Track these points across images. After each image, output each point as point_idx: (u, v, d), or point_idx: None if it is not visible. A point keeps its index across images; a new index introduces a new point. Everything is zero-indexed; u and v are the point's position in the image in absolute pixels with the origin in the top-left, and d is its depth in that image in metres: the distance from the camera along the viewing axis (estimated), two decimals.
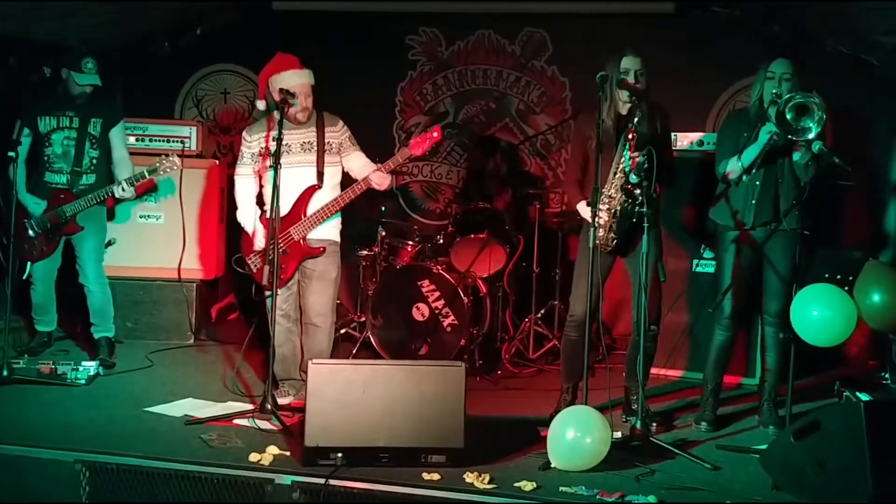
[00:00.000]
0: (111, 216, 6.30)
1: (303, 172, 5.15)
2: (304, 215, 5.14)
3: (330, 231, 5.25)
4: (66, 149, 5.72)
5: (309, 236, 5.17)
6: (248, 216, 5.30)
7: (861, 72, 6.61)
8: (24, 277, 5.76)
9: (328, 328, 5.28)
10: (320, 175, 5.16)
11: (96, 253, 5.90)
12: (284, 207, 5.11)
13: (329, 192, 5.20)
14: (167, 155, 5.66)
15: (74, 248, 5.84)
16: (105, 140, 5.81)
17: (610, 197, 4.69)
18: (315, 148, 5.18)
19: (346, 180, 5.31)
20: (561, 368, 5.17)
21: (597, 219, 4.64)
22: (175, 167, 5.67)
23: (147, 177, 5.66)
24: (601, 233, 4.70)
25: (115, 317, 6.04)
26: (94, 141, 5.76)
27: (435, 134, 5.12)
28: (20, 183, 5.60)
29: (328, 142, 5.21)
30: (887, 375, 5.74)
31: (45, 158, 5.71)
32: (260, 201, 5.32)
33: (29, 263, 5.72)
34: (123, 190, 5.65)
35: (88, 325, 6.00)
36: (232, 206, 6.98)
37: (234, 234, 7.08)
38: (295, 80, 5.10)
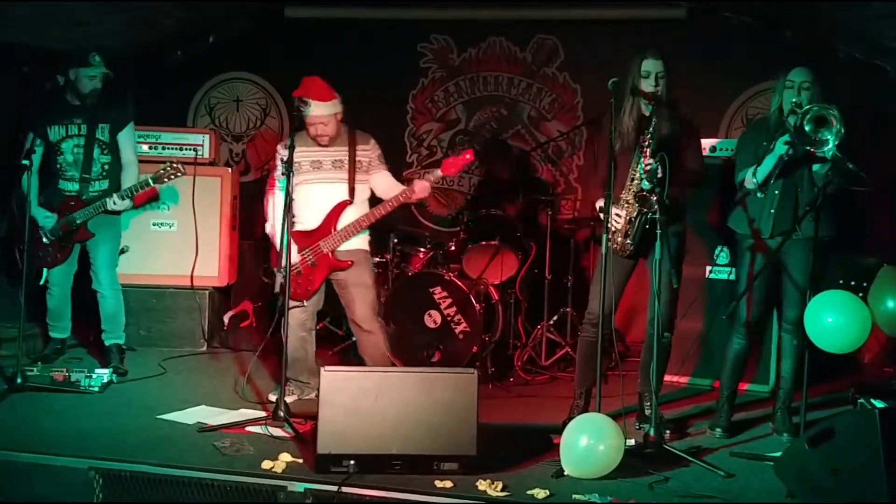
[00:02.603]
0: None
1: (334, 188, 5.25)
2: (335, 230, 5.22)
3: (359, 241, 5.34)
4: (76, 156, 5.74)
5: (338, 249, 5.24)
6: (278, 230, 5.28)
7: (874, 77, 6.59)
8: (42, 283, 5.78)
9: (380, 331, 5.38)
10: (352, 191, 5.25)
11: (110, 259, 5.92)
12: (315, 221, 5.23)
13: (359, 207, 5.30)
14: (171, 163, 5.69)
15: (89, 254, 5.87)
16: (115, 144, 5.83)
17: (627, 202, 4.69)
18: (346, 165, 5.26)
19: (373, 198, 5.41)
20: (576, 372, 5.15)
21: (612, 223, 4.65)
22: (179, 173, 5.68)
23: (151, 184, 5.69)
24: (619, 238, 4.69)
25: (127, 324, 6.05)
26: (104, 146, 5.79)
27: (468, 156, 5.22)
28: (33, 194, 5.62)
29: (359, 160, 5.30)
30: None
31: (58, 167, 5.74)
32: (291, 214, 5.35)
33: (45, 270, 5.75)
34: (115, 203, 5.67)
35: (100, 332, 6.02)
36: (245, 214, 7.06)
37: (248, 242, 7.14)
38: (316, 111, 5.16)
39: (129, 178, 5.81)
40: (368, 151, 5.35)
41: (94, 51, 5.68)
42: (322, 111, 5.18)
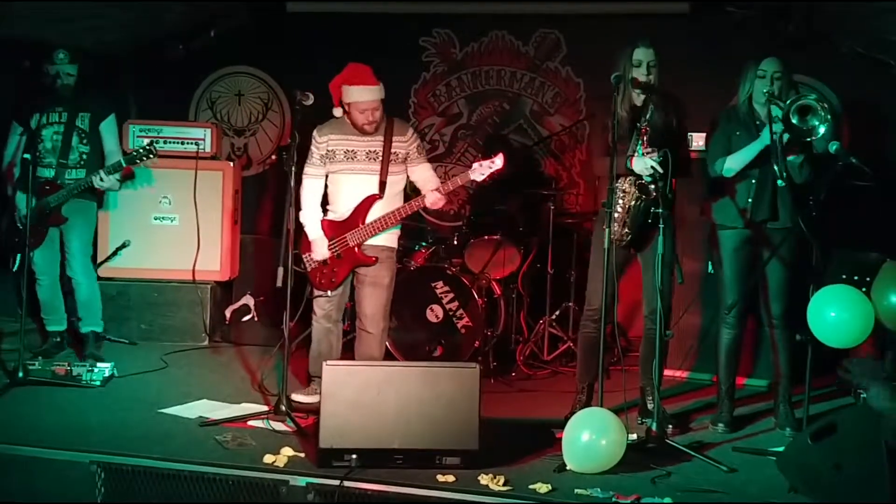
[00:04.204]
0: (99, 204, 6.26)
1: (366, 180, 5.17)
2: (362, 223, 5.16)
3: (386, 237, 5.26)
4: (54, 143, 5.80)
5: (365, 244, 5.19)
6: (311, 219, 5.27)
7: (877, 72, 6.57)
8: (14, 269, 5.72)
9: (380, 334, 5.29)
10: (382, 185, 5.16)
11: (84, 246, 5.95)
12: (344, 212, 5.18)
13: (390, 200, 5.20)
14: (146, 145, 5.74)
15: (63, 241, 5.89)
16: (95, 135, 5.89)
17: (624, 191, 4.68)
18: (380, 157, 5.18)
19: (411, 188, 5.37)
20: (577, 367, 5.15)
21: (612, 214, 4.64)
22: (152, 156, 5.72)
23: (123, 165, 5.74)
24: (616, 227, 4.70)
25: (128, 319, 6.06)
26: (84, 135, 5.85)
27: (498, 162, 5.08)
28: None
29: (394, 152, 5.20)
30: None
31: (36, 154, 5.74)
32: (324, 202, 5.32)
33: (19, 255, 5.71)
34: (101, 180, 5.70)
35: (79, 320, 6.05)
36: (247, 208, 7.06)
37: (250, 236, 7.14)
38: (365, 96, 5.09)
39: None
40: (405, 143, 5.24)
41: (61, 48, 5.75)
42: (372, 96, 5.10)
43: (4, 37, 6.35)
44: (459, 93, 7.65)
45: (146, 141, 6.64)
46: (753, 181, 4.75)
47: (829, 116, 4.39)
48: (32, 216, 5.68)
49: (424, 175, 5.31)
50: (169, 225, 6.74)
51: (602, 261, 4.61)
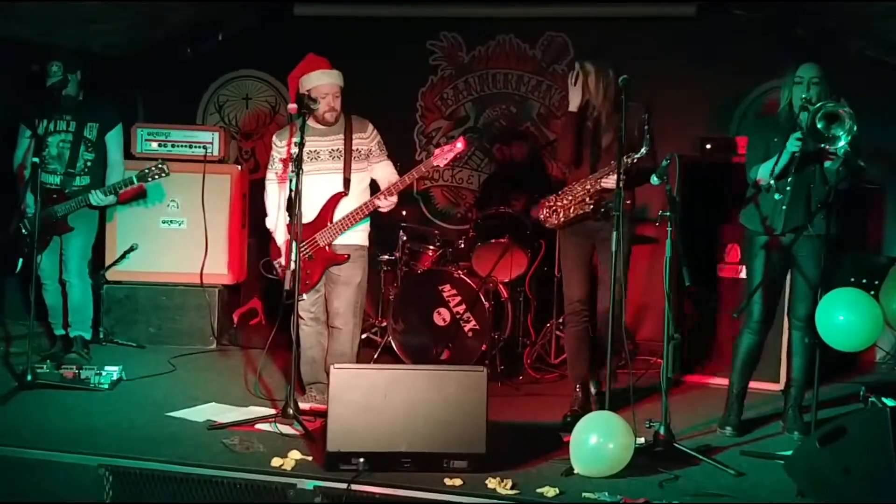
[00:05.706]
0: (102, 212, 6.27)
1: (331, 179, 5.16)
2: (330, 222, 5.15)
3: (358, 236, 5.25)
4: (60, 150, 5.84)
5: (335, 242, 5.17)
6: (276, 223, 5.30)
7: (885, 74, 6.55)
8: (17, 272, 5.79)
9: (350, 331, 5.26)
10: (347, 182, 5.16)
11: (82, 250, 5.98)
12: (311, 214, 5.13)
13: (356, 197, 5.20)
14: (157, 163, 5.77)
15: (62, 244, 5.92)
16: (101, 144, 5.93)
17: (587, 190, 4.85)
18: (343, 155, 5.18)
19: (374, 185, 5.33)
20: (568, 366, 5.18)
21: (557, 202, 4.98)
22: (163, 174, 5.75)
23: (135, 182, 5.76)
24: (561, 213, 4.96)
25: (136, 322, 6.07)
26: (90, 144, 5.89)
27: (459, 145, 5.08)
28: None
29: (356, 148, 5.20)
30: None
31: (41, 160, 5.77)
32: (287, 207, 5.30)
33: (21, 259, 5.76)
34: (98, 199, 5.75)
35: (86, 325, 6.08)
36: (254, 212, 7.07)
37: (257, 240, 7.15)
38: (324, 79, 5.11)
39: (115, 177, 5.92)
40: (367, 139, 5.25)
41: (54, 60, 5.79)
42: (331, 79, 5.12)
43: (12, 39, 6.37)
44: (466, 96, 7.66)
45: (154, 144, 6.70)
46: (788, 189, 4.69)
47: (855, 128, 4.35)
48: (39, 223, 5.71)
49: (385, 172, 5.31)
50: (177, 228, 6.76)
51: (571, 258, 5.04)
